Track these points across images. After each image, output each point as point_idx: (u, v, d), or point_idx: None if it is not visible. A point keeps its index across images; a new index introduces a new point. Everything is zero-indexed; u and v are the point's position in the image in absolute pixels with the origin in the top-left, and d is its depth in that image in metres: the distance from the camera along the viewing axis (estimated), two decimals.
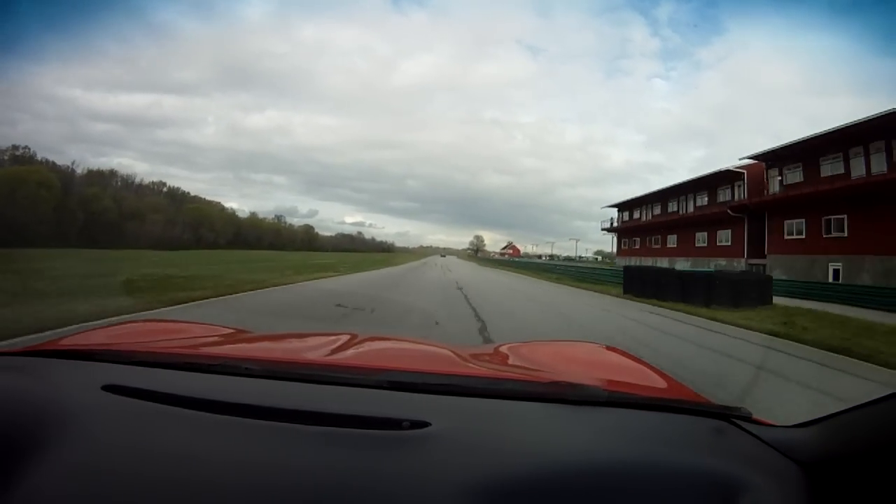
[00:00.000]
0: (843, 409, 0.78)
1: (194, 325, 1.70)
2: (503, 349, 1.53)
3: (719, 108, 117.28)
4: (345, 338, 1.32)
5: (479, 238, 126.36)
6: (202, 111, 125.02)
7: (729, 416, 0.90)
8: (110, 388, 0.81)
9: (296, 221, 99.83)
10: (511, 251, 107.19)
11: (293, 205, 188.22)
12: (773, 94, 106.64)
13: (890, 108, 16.70)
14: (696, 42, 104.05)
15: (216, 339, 1.43)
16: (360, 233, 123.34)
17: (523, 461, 0.69)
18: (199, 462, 0.66)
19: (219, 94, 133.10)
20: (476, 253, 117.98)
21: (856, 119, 18.14)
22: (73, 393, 0.82)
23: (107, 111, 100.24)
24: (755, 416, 0.91)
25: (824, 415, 0.82)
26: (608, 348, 1.60)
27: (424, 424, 0.74)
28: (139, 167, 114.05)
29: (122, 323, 1.58)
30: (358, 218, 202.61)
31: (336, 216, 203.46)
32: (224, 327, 1.67)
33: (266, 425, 0.73)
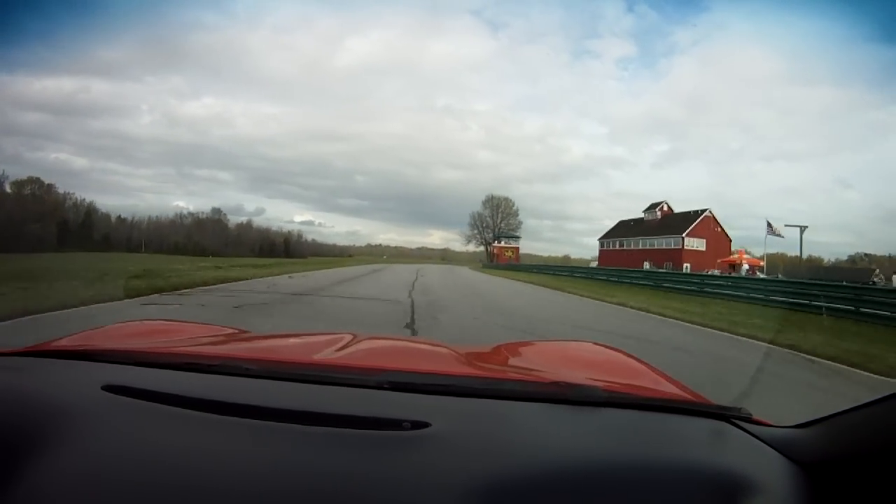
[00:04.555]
0: (843, 409, 0.78)
1: (194, 325, 1.71)
2: (503, 349, 1.53)
3: (689, 98, 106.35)
4: (346, 338, 1.32)
5: (499, 204, 61.30)
6: (134, 98, 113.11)
7: (728, 416, 0.90)
8: (110, 388, 0.81)
9: (244, 220, 78.22)
10: (739, 257, 31.45)
11: (239, 203, 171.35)
12: (749, 83, 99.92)
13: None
14: (674, 20, 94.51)
15: (216, 339, 1.43)
16: (224, 216, 74.19)
17: (524, 462, 0.69)
18: (199, 462, 0.66)
19: (150, 77, 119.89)
20: (489, 251, 59.60)
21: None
22: (73, 393, 0.82)
23: (32, 98, 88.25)
24: (755, 416, 0.91)
25: (824, 415, 0.82)
26: (608, 348, 1.61)
27: (425, 425, 0.74)
28: (78, 162, 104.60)
29: (121, 323, 1.57)
30: (307, 217, 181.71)
31: (284, 215, 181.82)
32: (224, 327, 1.68)
33: (266, 425, 0.73)
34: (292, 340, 1.58)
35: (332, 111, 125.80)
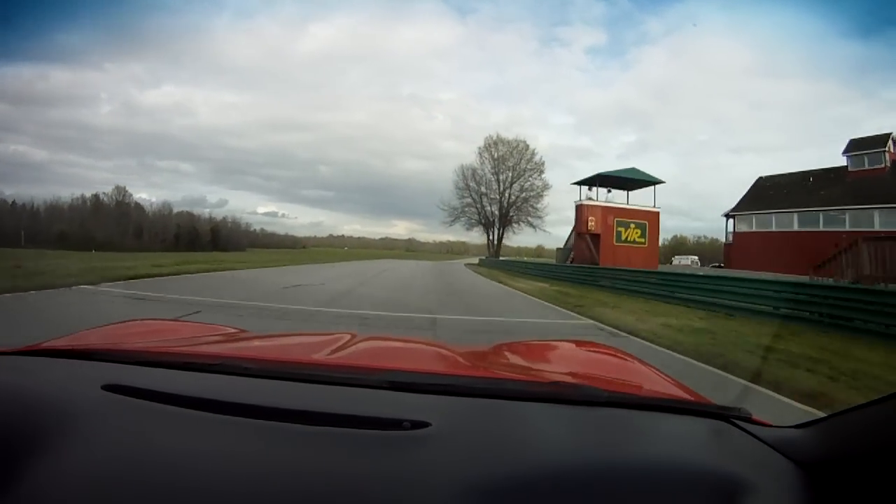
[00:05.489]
0: (842, 409, 0.78)
1: (194, 324, 1.73)
2: (503, 349, 1.54)
3: (658, 89, 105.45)
4: (345, 338, 1.32)
5: (509, 154, 35.91)
6: (94, 86, 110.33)
7: (728, 416, 0.91)
8: (110, 388, 0.81)
9: (205, 212, 73.54)
10: None
11: (202, 195, 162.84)
12: (720, 76, 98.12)
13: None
14: (646, 8, 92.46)
15: (216, 338, 1.44)
16: (129, 196, 60.01)
17: (524, 461, 0.70)
18: (199, 462, 0.66)
19: (109, 63, 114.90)
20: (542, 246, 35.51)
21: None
22: (73, 393, 0.82)
23: None
24: (755, 416, 0.92)
25: (824, 415, 0.83)
26: (609, 348, 1.62)
27: (425, 425, 0.74)
28: (37, 154, 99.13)
29: (121, 322, 1.56)
30: (271, 208, 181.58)
31: (248, 206, 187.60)
32: (224, 327, 1.68)
33: (266, 425, 0.73)
34: (292, 340, 1.59)
35: (296, 100, 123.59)
